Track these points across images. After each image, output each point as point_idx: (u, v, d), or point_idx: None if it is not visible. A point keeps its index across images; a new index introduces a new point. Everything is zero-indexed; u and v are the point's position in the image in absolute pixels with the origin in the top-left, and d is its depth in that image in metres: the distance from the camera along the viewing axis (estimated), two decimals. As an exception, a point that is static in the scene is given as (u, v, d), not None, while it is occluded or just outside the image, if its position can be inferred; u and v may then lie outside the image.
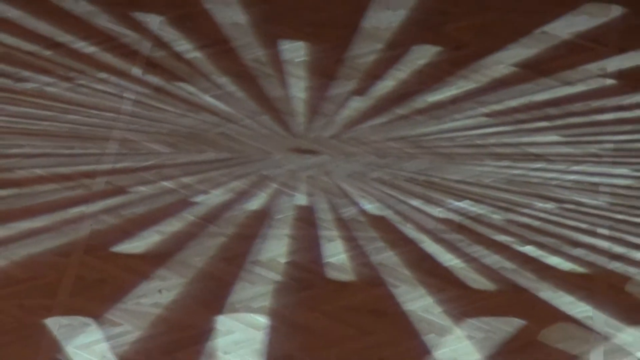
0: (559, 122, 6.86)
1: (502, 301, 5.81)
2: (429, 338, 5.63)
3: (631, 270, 5.97)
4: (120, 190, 6.46)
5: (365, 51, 7.35)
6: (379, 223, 6.26)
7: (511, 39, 7.33)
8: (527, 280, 5.92)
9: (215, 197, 6.46)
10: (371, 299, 5.84)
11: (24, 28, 7.40)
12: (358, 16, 7.53)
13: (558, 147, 6.70)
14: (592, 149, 6.69)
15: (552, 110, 6.92)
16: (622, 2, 7.57)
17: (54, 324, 5.71)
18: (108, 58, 7.27)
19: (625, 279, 5.93)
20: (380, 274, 5.97)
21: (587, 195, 6.39)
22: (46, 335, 5.67)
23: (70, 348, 5.60)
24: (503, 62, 7.20)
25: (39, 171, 6.54)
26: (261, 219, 6.30)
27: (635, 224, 6.23)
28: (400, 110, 6.98)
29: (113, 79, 7.15)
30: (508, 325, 5.69)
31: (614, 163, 6.59)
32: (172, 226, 6.24)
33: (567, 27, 7.38)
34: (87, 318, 5.73)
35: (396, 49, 7.34)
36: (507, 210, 6.32)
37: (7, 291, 5.86)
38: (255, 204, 6.41)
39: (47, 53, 7.29)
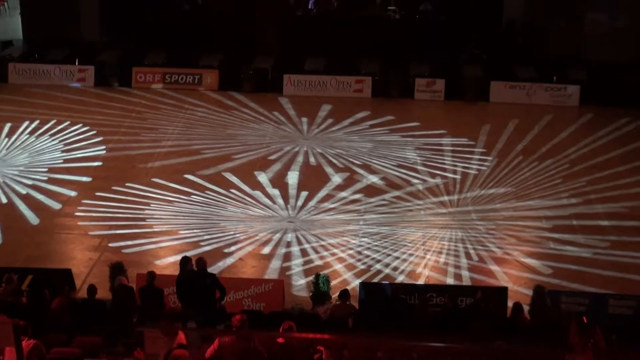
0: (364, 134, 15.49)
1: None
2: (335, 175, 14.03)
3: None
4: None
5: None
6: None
7: (352, 116, 16.13)
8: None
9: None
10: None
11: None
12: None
13: (360, 137, 15.19)
14: (366, 142, 15.29)
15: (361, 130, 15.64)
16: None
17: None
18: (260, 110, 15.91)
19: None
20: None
21: (359, 144, 14.76)
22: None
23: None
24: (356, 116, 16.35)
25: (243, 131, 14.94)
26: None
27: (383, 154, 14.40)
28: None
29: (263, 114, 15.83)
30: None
31: (373, 136, 14.98)
32: (272, 138, 14.93)
33: (363, 114, 16.43)
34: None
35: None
36: (349, 146, 14.76)
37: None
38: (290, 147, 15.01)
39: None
